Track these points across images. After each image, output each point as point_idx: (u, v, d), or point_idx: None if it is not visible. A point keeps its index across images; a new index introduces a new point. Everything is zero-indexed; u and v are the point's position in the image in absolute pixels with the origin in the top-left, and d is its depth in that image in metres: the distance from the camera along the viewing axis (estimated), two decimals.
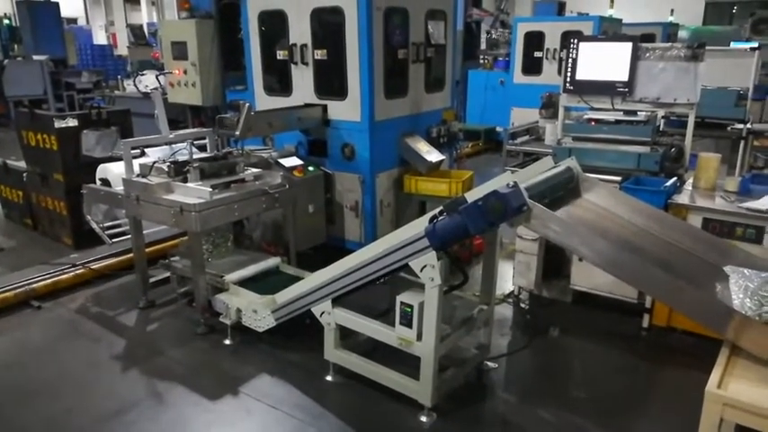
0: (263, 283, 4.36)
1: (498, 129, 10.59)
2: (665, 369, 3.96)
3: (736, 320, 2.36)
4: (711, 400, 2.12)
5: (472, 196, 2.90)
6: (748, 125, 6.43)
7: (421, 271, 3.04)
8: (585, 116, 4.95)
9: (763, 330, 2.32)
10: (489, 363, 3.89)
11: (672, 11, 15.40)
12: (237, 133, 4.48)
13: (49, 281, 5.03)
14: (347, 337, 3.71)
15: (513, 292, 4.90)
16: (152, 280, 4.90)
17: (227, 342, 4.18)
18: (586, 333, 4.41)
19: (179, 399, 3.61)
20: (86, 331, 4.45)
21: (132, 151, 4.55)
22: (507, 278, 4.98)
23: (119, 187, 4.61)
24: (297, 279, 4.10)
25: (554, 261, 4.73)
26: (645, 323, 4.33)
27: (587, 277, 4.43)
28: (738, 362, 2.33)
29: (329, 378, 3.73)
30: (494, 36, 12.66)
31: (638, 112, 4.76)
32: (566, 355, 4.25)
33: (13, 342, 4.32)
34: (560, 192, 3.29)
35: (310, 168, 5.09)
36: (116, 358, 4.08)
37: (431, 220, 2.97)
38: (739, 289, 2.57)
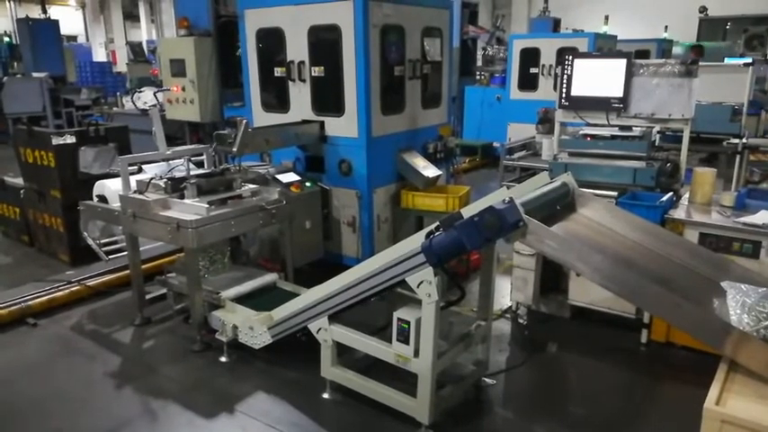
0: (260, 300, 4.34)
1: (495, 144, 10.64)
2: (664, 385, 3.93)
3: (734, 336, 2.36)
4: (710, 416, 2.11)
5: (469, 212, 2.90)
6: (743, 140, 6.46)
7: (418, 287, 3.03)
8: (581, 132, 4.96)
9: (761, 346, 2.31)
10: (487, 379, 3.86)
11: (666, 27, 15.52)
12: (234, 150, 4.49)
13: (44, 298, 5.00)
14: (344, 354, 3.68)
15: (510, 307, 4.89)
16: (148, 297, 4.87)
17: (224, 359, 4.15)
18: (584, 348, 4.39)
19: (173, 417, 3.57)
20: (81, 349, 4.42)
21: (129, 168, 4.56)
22: (505, 293, 4.97)
23: (116, 204, 4.61)
24: (294, 295, 4.08)
25: (551, 276, 4.72)
26: (643, 338, 4.31)
27: (585, 292, 4.42)
28: (737, 378, 2.32)
29: (326, 396, 3.70)
30: (490, 53, 12.77)
31: (634, 128, 4.78)
32: (564, 370, 4.22)
33: (8, 360, 4.28)
34: (556, 207, 3.29)
35: (307, 184, 5.09)
36: (110, 376, 4.04)
37: (427, 236, 2.96)
38: (737, 304, 2.56)
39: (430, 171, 5.43)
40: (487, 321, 3.69)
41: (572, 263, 2.88)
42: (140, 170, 4.79)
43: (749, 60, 7.23)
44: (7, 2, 25.47)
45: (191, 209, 4.15)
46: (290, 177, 5.03)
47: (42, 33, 14.44)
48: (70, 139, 5.74)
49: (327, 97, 5.26)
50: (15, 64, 15.50)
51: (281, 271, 4.81)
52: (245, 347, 4.05)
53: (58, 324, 4.80)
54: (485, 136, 11.29)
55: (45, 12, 15.50)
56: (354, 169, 5.17)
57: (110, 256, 5.08)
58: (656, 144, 5.28)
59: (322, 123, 5.29)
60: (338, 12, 4.91)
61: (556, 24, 12.60)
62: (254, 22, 5.55)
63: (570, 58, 4.74)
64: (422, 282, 3.00)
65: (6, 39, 17.89)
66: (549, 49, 9.77)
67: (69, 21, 25.39)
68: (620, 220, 3.25)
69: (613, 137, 4.78)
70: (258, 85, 5.71)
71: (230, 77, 6.17)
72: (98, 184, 5.07)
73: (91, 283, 5.30)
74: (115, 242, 5.16)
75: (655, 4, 18.00)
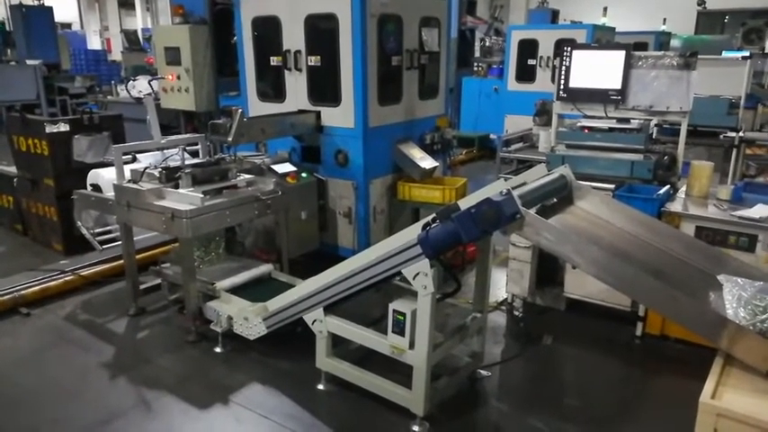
0: (255, 291, 4.33)
1: (492, 136, 10.62)
2: (659, 378, 3.94)
3: (730, 330, 2.35)
4: (705, 410, 2.11)
5: (465, 203, 2.89)
6: (740, 133, 6.46)
7: (414, 278, 3.02)
8: (579, 124, 4.95)
9: (757, 340, 2.31)
10: (482, 371, 3.87)
11: (664, 20, 15.51)
12: (230, 139, 4.45)
13: (37, 287, 4.97)
14: (339, 346, 3.67)
15: (506, 299, 4.88)
16: (143, 287, 4.85)
17: (218, 350, 4.13)
18: (580, 341, 4.39)
19: (168, 407, 3.56)
20: (75, 339, 4.39)
21: (124, 157, 4.51)
22: (500, 286, 4.96)
23: (110, 193, 4.57)
24: (289, 286, 4.06)
25: (547, 268, 4.71)
26: (638, 331, 4.32)
27: (581, 285, 4.42)
28: (732, 372, 2.32)
29: (321, 387, 3.69)
30: (488, 44, 12.73)
31: (631, 120, 4.76)
32: (559, 363, 4.23)
33: (0, 350, 4.25)
34: (553, 199, 3.28)
35: (303, 175, 5.06)
36: (104, 366, 4.02)
37: (424, 228, 2.95)
38: (733, 298, 2.55)
39: (427, 162, 5.41)
40: (483, 313, 3.69)
41: (568, 255, 2.86)
42: (135, 159, 4.74)
43: (747, 54, 7.22)
44: None
45: (185, 199, 4.11)
46: (286, 168, 4.99)
47: (36, 20, 14.31)
48: (64, 128, 5.69)
49: (324, 87, 5.22)
50: (9, 51, 15.34)
51: (277, 262, 4.79)
52: (239, 338, 4.04)
53: (52, 314, 4.78)
54: (482, 128, 11.27)
55: None
56: (351, 160, 5.14)
57: (104, 246, 5.04)
58: (654, 137, 5.26)
59: (318, 113, 5.25)
60: (335, 0, 4.86)
61: (554, 16, 12.55)
62: (249, 10, 5.49)
63: (569, 49, 4.71)
64: (418, 273, 2.99)
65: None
66: (547, 40, 9.73)
67: (63, 8, 25.05)
68: (617, 212, 3.24)
69: (611, 129, 4.76)
70: (254, 74, 5.67)
71: (226, 66, 6.12)
72: (92, 173, 5.03)
73: (84, 272, 5.27)
74: (109, 232, 5.12)
75: None
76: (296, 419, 3.44)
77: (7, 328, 4.56)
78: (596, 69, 4.60)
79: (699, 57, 4.30)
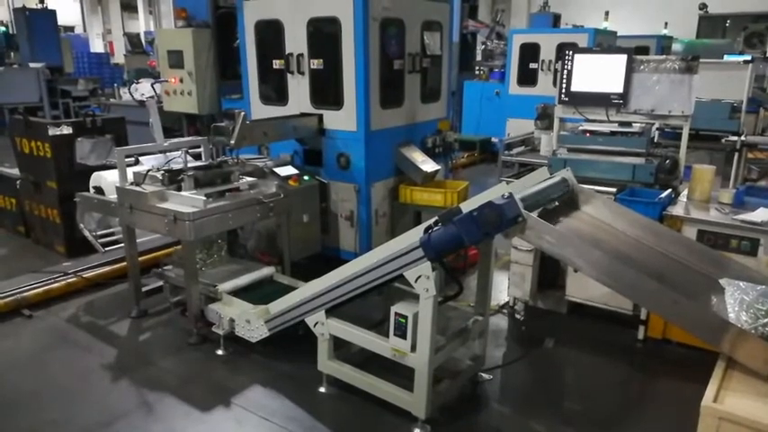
0: (257, 293, 4.34)
1: (494, 139, 10.63)
2: (661, 381, 3.93)
3: (732, 334, 2.36)
4: (707, 414, 2.11)
5: (467, 207, 2.89)
6: (742, 137, 6.45)
7: (416, 281, 3.02)
8: (581, 127, 4.95)
9: (759, 344, 2.31)
10: (484, 374, 3.86)
11: (666, 24, 15.51)
12: (232, 142, 4.46)
13: (40, 289, 4.98)
14: (341, 348, 3.68)
15: (507, 302, 4.88)
16: (145, 289, 4.86)
17: (220, 352, 4.14)
18: (581, 344, 4.39)
19: (169, 410, 3.56)
20: (77, 341, 4.40)
21: (126, 159, 4.53)
22: (502, 289, 4.96)
23: (112, 195, 4.58)
24: (291, 289, 4.07)
25: (549, 272, 4.72)
26: (640, 335, 4.32)
27: (582, 288, 4.42)
28: (734, 375, 2.32)
29: (322, 389, 3.69)
30: (489, 47, 12.73)
31: (633, 124, 4.77)
32: (561, 366, 4.22)
33: (2, 351, 4.26)
34: (555, 203, 3.29)
35: (305, 177, 5.07)
36: (106, 368, 4.03)
37: (426, 231, 2.95)
38: (735, 302, 2.56)
39: (428, 166, 5.42)
40: (485, 316, 3.69)
41: (570, 258, 2.87)
42: (137, 162, 4.76)
43: (749, 58, 7.22)
44: None
45: (188, 201, 4.13)
46: (288, 171, 5.00)
47: (39, 23, 14.34)
48: (67, 130, 5.70)
49: (326, 90, 5.23)
50: (12, 54, 15.40)
51: (279, 264, 4.80)
52: (241, 340, 4.04)
53: (54, 316, 4.78)
54: (483, 131, 11.29)
55: (42, 1, 15.38)
56: (353, 163, 5.15)
57: (106, 248, 5.06)
58: (656, 141, 5.26)
59: (320, 116, 5.27)
60: (338, 4, 4.88)
61: (556, 20, 12.56)
62: (252, 13, 5.51)
63: (570, 53, 4.72)
64: (419, 276, 3.00)
65: (3, 28, 17.75)
66: (548, 44, 9.75)
67: (67, 11, 25.18)
68: (619, 216, 3.25)
69: (613, 133, 4.77)
70: (257, 77, 5.68)
71: (228, 69, 6.13)
72: (95, 175, 5.05)
73: (87, 274, 5.28)
74: (112, 234, 5.13)
75: (655, 1, 17.97)
76: (297, 422, 3.44)
77: (10, 329, 4.57)
78: (598, 73, 4.60)
79: (700, 61, 4.30)
